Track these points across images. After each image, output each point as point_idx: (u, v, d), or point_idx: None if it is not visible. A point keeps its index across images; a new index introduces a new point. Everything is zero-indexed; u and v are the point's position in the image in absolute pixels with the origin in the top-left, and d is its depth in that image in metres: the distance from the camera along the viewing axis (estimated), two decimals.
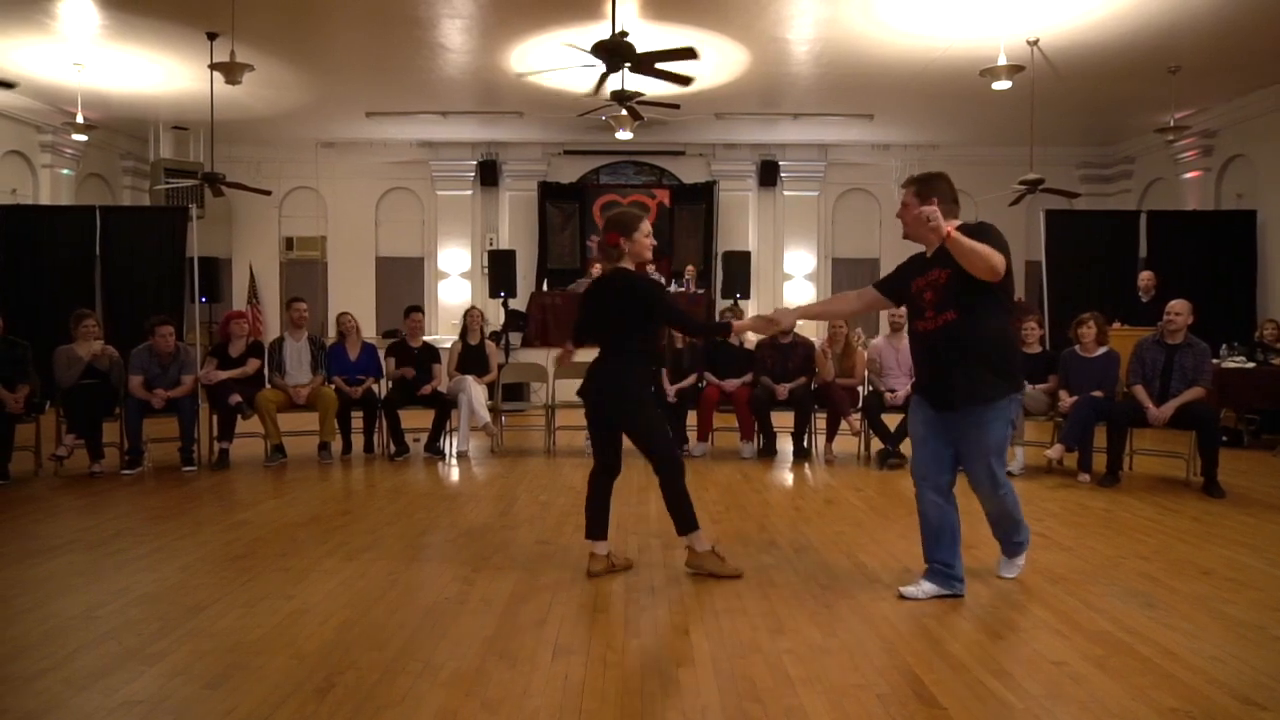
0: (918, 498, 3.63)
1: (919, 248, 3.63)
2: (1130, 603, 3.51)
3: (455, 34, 8.99)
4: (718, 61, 9.51)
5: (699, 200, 14.21)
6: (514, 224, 14.30)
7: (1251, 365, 7.97)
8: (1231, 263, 10.48)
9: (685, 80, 8.29)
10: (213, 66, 8.52)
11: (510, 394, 9.10)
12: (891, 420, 6.91)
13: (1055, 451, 6.27)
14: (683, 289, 12.67)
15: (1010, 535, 3.77)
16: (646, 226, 3.85)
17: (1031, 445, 6.63)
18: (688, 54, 7.72)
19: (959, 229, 3.28)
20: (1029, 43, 8.64)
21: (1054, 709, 2.56)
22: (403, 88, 10.92)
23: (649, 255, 3.89)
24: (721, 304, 12.77)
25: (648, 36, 8.37)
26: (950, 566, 3.56)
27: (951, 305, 3.39)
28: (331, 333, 7.73)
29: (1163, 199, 12.49)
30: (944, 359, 3.46)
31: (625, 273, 3.82)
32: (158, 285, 9.81)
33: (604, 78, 8.13)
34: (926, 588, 3.56)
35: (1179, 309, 6.05)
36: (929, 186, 3.47)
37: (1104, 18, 8.20)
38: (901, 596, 3.54)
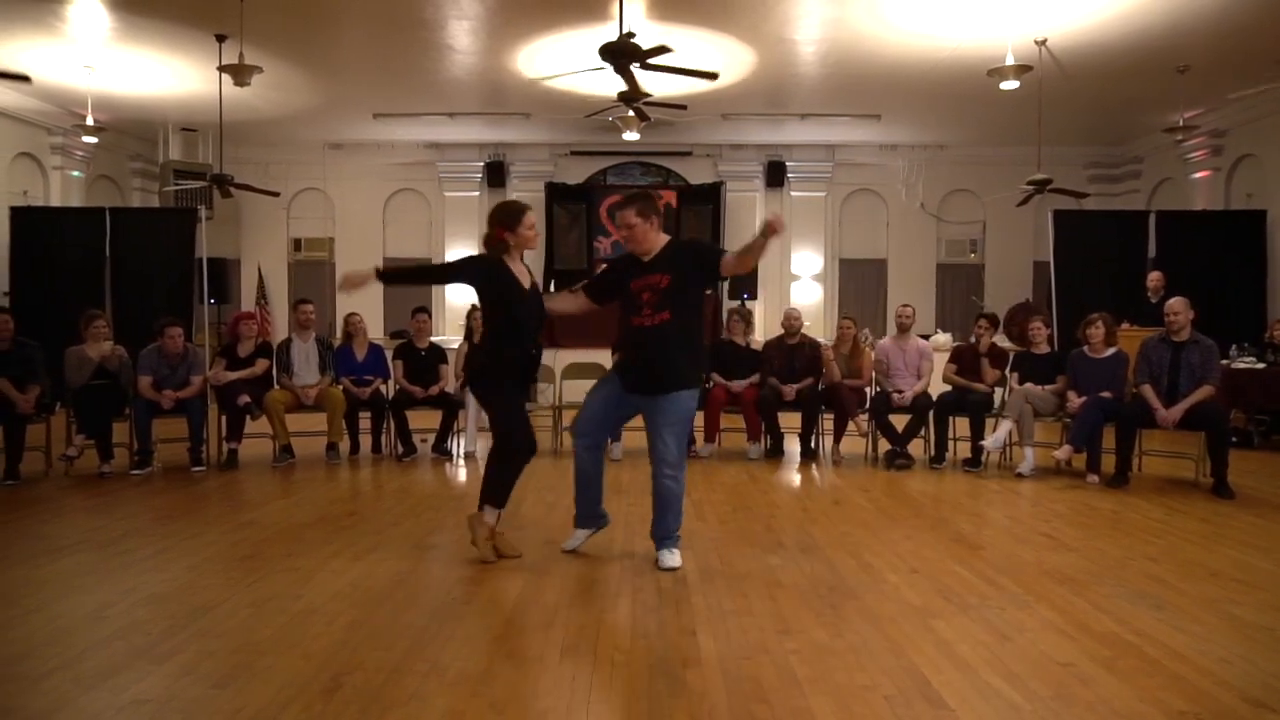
0: (576, 454, 4.14)
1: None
2: (1138, 604, 3.50)
3: (462, 35, 9.01)
4: (724, 62, 9.49)
5: (706, 201, 14.18)
6: None
7: (1261, 366, 7.93)
8: (1241, 263, 10.43)
9: (713, 75, 8.23)
10: (221, 68, 8.56)
11: None
12: (899, 421, 6.90)
13: (1063, 452, 6.25)
14: None
15: (672, 526, 4.05)
16: (530, 219, 4.12)
17: (1040, 446, 6.60)
18: (708, 76, 7.72)
19: (672, 245, 3.99)
20: (1036, 42, 8.62)
21: (1061, 710, 2.55)
22: (410, 89, 10.94)
23: (533, 246, 4.26)
24: (729, 304, 12.75)
25: (655, 38, 8.34)
26: (597, 506, 4.21)
27: (667, 306, 3.89)
28: (339, 334, 7.74)
29: (1172, 199, 12.43)
30: (655, 352, 3.92)
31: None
32: (167, 286, 9.86)
33: (625, 76, 8.06)
34: (580, 534, 4.22)
35: (1177, 308, 6.03)
36: (650, 206, 3.99)
37: (1112, 17, 8.17)
38: (565, 551, 4.16)
